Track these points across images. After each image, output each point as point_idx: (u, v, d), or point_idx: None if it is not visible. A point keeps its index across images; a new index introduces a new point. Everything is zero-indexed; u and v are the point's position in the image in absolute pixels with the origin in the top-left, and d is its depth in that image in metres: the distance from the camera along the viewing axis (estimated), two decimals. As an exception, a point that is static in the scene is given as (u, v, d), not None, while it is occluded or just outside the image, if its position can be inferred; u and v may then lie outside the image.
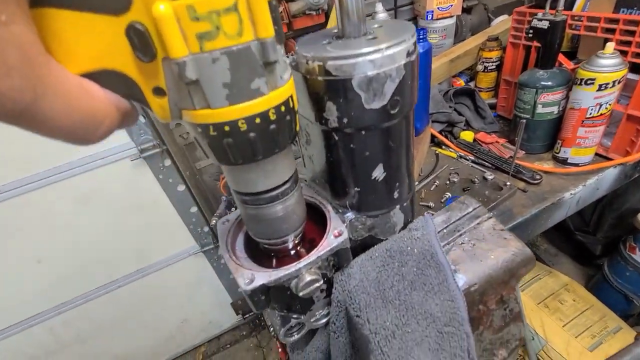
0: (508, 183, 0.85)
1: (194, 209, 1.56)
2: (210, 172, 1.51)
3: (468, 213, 0.40)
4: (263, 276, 0.34)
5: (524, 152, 0.99)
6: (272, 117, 0.25)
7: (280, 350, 0.96)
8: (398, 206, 0.42)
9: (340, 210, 0.42)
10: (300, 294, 0.34)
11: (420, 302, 0.34)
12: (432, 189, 0.89)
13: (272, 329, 0.42)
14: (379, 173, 0.37)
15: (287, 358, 1.01)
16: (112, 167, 1.30)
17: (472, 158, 0.99)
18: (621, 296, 1.50)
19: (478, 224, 0.38)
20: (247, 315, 2.03)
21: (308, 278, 0.34)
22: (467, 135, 1.07)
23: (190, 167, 1.44)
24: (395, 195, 0.40)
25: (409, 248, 0.37)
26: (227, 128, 0.24)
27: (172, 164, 1.39)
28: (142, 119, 1.25)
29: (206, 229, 1.63)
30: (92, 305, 1.58)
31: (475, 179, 0.88)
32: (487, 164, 0.96)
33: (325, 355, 0.41)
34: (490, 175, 0.88)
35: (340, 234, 0.36)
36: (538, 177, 0.87)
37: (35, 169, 1.20)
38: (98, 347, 1.71)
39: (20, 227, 1.29)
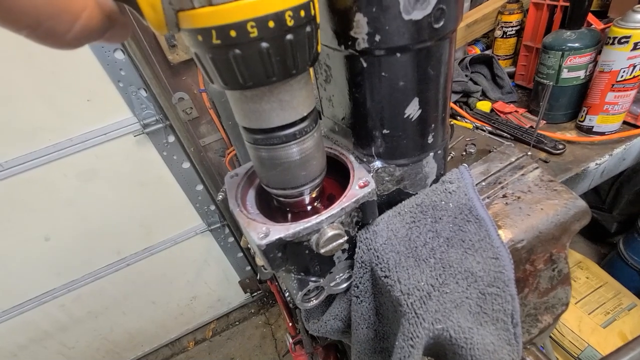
0: (529, 153, 0.80)
1: (200, 187, 1.53)
2: (215, 148, 1.47)
3: (510, 163, 0.35)
4: (279, 230, 0.30)
5: (544, 122, 0.94)
6: (289, 22, 0.20)
7: (290, 325, 0.96)
8: (432, 153, 0.36)
9: (364, 160, 0.36)
10: (322, 251, 0.30)
11: (459, 260, 0.30)
12: (447, 160, 0.84)
13: (287, 293, 0.38)
14: (413, 110, 0.31)
15: (296, 333, 1.00)
16: (115, 143, 1.27)
17: (490, 128, 0.94)
18: (636, 273, 1.47)
19: (522, 174, 0.34)
20: (255, 294, 2.05)
21: (330, 233, 0.30)
22: (484, 106, 1.02)
23: (195, 143, 1.40)
24: (430, 139, 0.35)
25: (443, 202, 0.33)
26: (233, 33, 0.20)
27: (176, 140, 1.36)
28: (143, 93, 1.21)
29: (212, 207, 1.62)
30: (102, 282, 1.59)
31: (494, 150, 0.83)
32: (505, 134, 0.91)
33: (345, 323, 0.38)
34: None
35: (366, 185, 0.32)
36: (561, 146, 0.82)
37: (37, 145, 1.18)
38: (110, 323, 1.74)
39: (27, 204, 1.28)
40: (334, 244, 0.31)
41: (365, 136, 0.35)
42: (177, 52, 1.16)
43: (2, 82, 1.06)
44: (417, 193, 0.37)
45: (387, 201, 0.37)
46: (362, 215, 0.33)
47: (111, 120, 1.23)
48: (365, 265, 0.34)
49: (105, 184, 1.36)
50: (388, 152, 0.35)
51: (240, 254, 1.83)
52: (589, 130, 0.85)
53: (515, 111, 0.98)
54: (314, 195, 0.34)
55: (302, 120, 0.28)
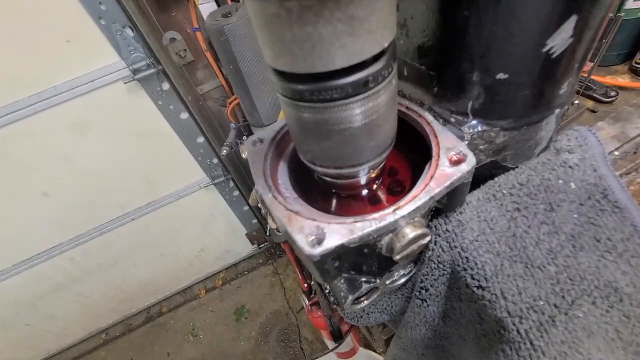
0: (576, 102, 0.70)
1: (201, 139, 1.44)
2: (215, 97, 1.35)
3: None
4: (339, 232, 0.19)
5: (591, 63, 0.82)
6: None
7: (301, 279, 0.94)
8: (557, 110, 0.24)
9: (452, 120, 0.23)
10: (398, 257, 0.20)
11: (595, 270, 0.22)
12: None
13: (331, 295, 0.30)
14: (561, 39, 0.18)
15: (308, 289, 0.99)
16: (105, 91, 1.15)
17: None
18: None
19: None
20: (262, 245, 2.06)
21: (412, 234, 0.19)
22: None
23: (193, 91, 1.28)
24: (563, 88, 0.22)
25: (560, 182, 0.23)
26: None
27: (171, 88, 1.23)
28: (130, 32, 1.06)
29: (215, 160, 1.54)
30: (110, 236, 1.58)
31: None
32: (547, 78, 0.79)
33: (392, 317, 0.32)
34: (554, 92, 0.72)
35: (461, 160, 0.21)
36: (613, 94, 0.72)
37: (17, 95, 1.06)
38: (121, 275, 1.78)
39: (19, 160, 1.21)
40: (415, 246, 0.20)
41: (459, 83, 0.22)
42: (164, -19, 0.99)
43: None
44: (517, 167, 0.26)
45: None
46: (448, 202, 0.22)
47: (97, 66, 1.10)
48: (444, 267, 0.25)
49: (100, 137, 1.26)
50: (492, 109, 0.22)
51: (247, 208, 1.80)
52: (647, 74, 0.73)
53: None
54: (372, 175, 0.23)
55: (379, 56, 0.16)
